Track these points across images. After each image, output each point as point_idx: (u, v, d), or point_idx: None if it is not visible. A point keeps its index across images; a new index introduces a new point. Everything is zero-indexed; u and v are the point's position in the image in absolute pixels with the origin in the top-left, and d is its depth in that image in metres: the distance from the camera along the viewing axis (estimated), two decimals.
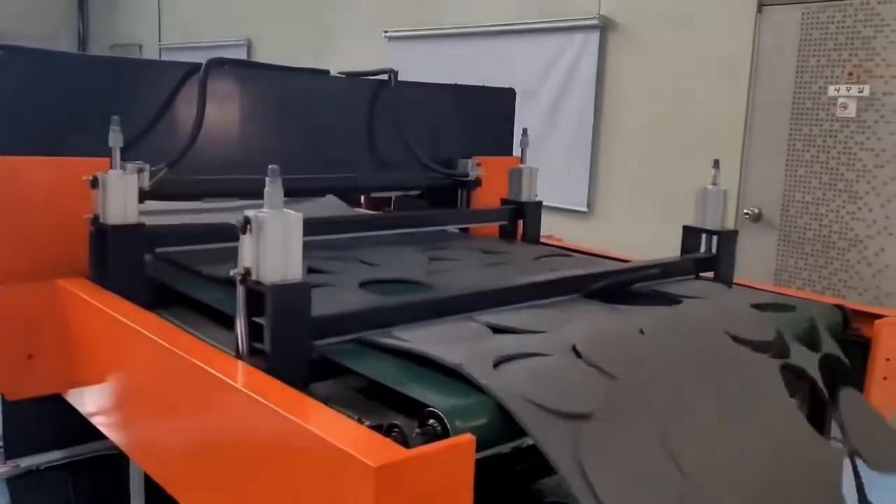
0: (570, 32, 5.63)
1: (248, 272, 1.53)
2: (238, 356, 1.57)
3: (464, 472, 1.21)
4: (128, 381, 1.90)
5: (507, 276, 2.29)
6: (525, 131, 3.07)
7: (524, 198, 3.03)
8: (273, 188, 1.56)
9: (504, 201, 3.07)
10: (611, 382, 1.49)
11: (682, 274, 2.40)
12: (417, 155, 2.95)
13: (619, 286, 2.14)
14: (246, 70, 2.73)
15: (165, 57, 9.58)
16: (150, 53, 9.98)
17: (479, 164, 3.12)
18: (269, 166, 1.56)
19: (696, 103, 5.01)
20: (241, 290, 1.55)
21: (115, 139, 2.04)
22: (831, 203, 4.41)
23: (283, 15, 8.09)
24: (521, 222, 3.07)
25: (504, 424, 1.36)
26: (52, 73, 2.25)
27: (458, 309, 1.85)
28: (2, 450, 2.38)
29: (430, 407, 1.33)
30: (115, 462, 2.30)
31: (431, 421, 1.32)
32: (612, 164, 5.54)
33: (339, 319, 1.69)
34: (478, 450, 1.24)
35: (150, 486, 2.23)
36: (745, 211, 4.65)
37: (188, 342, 1.69)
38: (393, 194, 3.38)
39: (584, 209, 5.67)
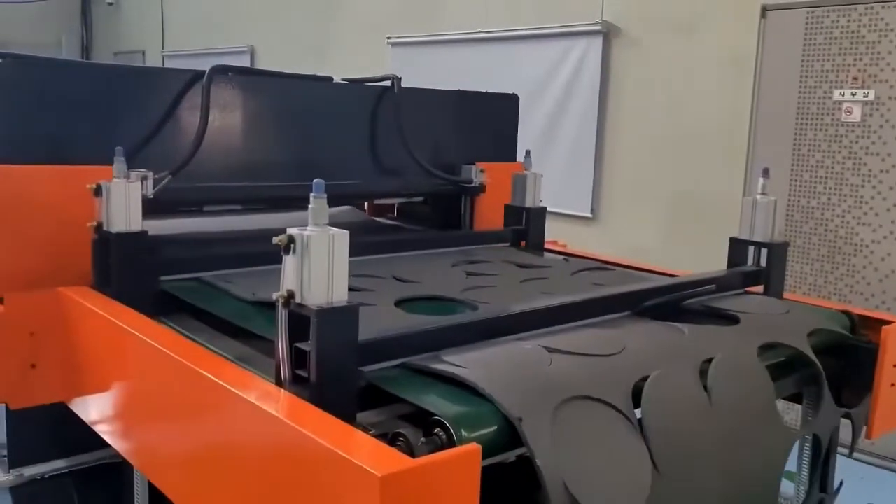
0: (572, 38, 5.63)
1: (291, 295, 1.42)
2: (279, 383, 1.48)
3: (469, 482, 1.20)
4: (132, 390, 1.89)
5: (549, 293, 2.22)
6: (528, 153, 3.06)
7: (528, 204, 3.02)
8: (318, 204, 1.44)
9: (508, 207, 3.06)
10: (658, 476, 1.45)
11: (730, 288, 2.31)
12: (420, 162, 2.94)
13: (673, 303, 2.07)
14: (249, 77, 2.73)
15: (168, 64, 9.60)
16: (153, 60, 10.00)
17: (482, 171, 3.11)
18: (315, 181, 1.44)
19: (700, 108, 5.01)
20: (283, 313, 1.44)
21: (120, 170, 2.03)
22: (837, 208, 4.40)
23: (285, 22, 8.10)
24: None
25: (510, 433, 1.35)
26: (55, 81, 2.25)
27: (511, 330, 1.76)
28: (5, 459, 2.37)
29: (435, 416, 1.32)
30: (119, 470, 2.29)
31: (437, 430, 1.31)
32: (617, 169, 5.54)
33: (385, 343, 1.58)
34: (483, 458, 1.23)
35: (154, 495, 2.22)
36: None
37: (194, 352, 1.68)
38: (396, 200, 3.38)
39: (588, 214, 5.66)
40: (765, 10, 4.58)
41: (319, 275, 1.41)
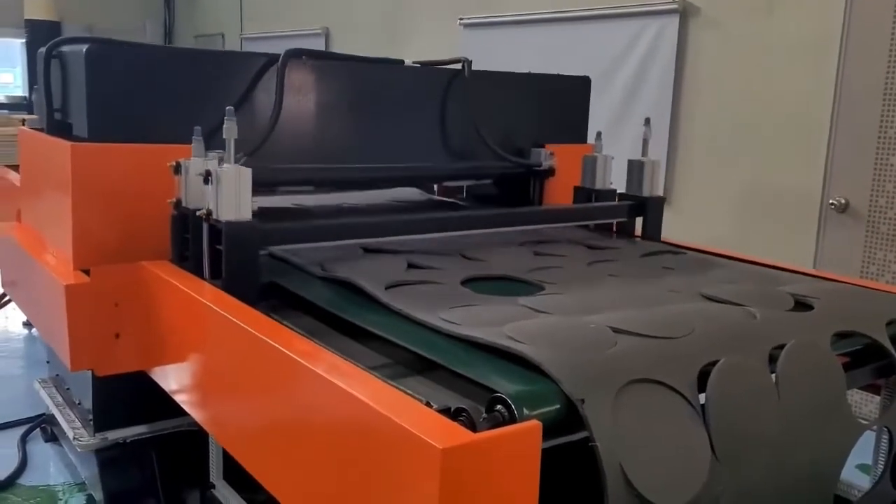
0: (648, 17, 5.51)
1: (209, 213, 1.95)
2: (203, 278, 2.01)
3: (530, 458, 1.21)
4: (208, 360, 1.97)
5: (616, 275, 2.24)
6: (599, 135, 3.02)
7: (598, 186, 2.99)
8: (228, 146, 1.96)
9: (577, 189, 3.03)
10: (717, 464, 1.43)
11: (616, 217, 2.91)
12: (490, 145, 2.93)
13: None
14: (322, 61, 2.77)
15: (246, 47, 9.79)
16: (232, 43, 10.22)
17: (552, 154, 3.09)
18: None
19: (781, 90, 4.84)
20: (205, 226, 1.98)
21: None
22: None
23: (359, 3, 8.17)
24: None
25: (571, 413, 1.35)
26: (139, 65, 2.34)
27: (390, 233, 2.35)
28: (91, 423, 2.51)
29: (497, 393, 1.34)
30: (196, 438, 2.39)
31: (498, 407, 1.32)
32: (691, 154, 5.41)
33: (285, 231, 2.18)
34: (545, 437, 1.23)
35: (229, 462, 2.30)
36: (831, 201, 4.47)
37: (266, 325, 1.74)
38: (465, 183, 3.39)
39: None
40: None
41: (229, 198, 1.93)
